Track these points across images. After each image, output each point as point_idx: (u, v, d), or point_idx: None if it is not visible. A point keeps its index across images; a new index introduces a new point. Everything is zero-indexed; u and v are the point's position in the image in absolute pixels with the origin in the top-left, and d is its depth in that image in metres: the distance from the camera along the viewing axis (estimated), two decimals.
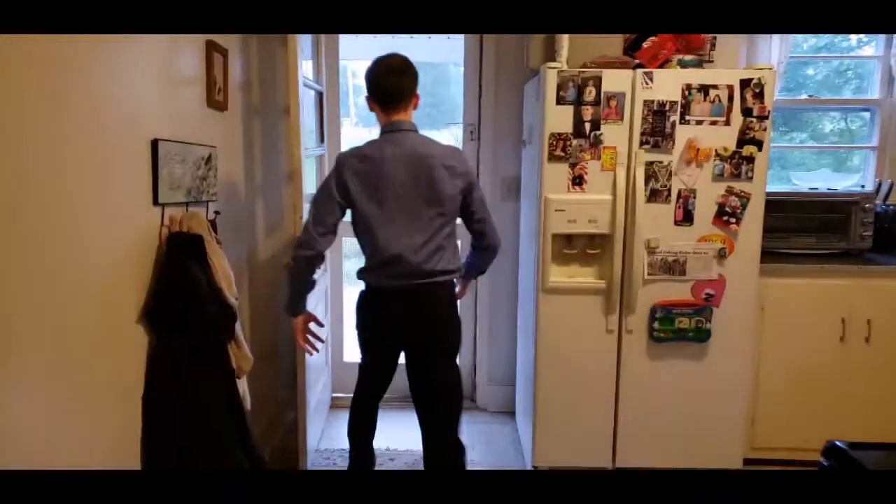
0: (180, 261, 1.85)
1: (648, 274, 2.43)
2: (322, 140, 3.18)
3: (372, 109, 2.09)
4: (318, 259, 2.08)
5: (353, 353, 3.66)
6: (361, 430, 2.31)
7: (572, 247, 2.46)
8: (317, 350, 2.29)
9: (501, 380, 3.37)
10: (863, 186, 3.14)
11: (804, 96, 3.30)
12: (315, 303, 2.90)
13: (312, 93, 3.04)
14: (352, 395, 2.34)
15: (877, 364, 2.65)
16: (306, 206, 2.66)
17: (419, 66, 2.14)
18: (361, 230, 2.07)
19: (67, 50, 1.44)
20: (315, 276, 2.18)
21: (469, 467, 2.82)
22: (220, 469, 1.88)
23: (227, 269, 2.03)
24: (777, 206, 2.70)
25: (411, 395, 2.23)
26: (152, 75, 1.86)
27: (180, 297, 1.80)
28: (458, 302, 2.19)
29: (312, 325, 2.24)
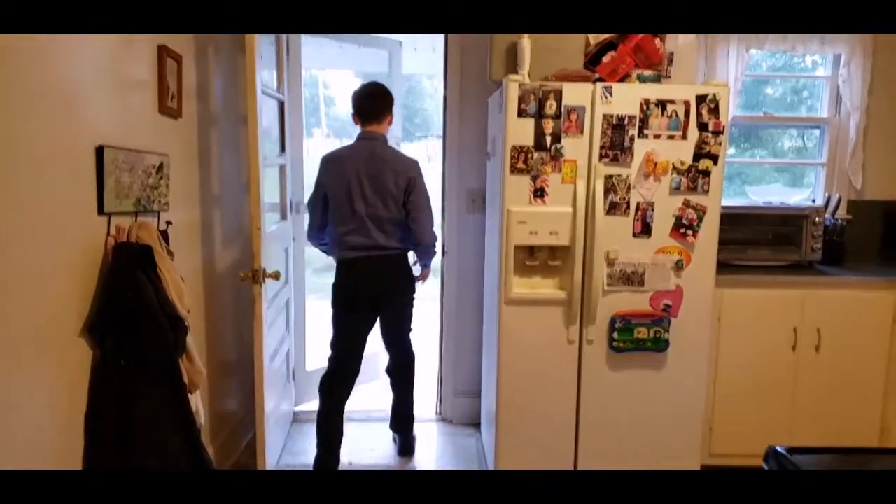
0: (127, 272, 1.79)
1: (608, 285, 2.44)
2: (283, 150, 3.14)
3: (356, 122, 2.71)
4: (320, 245, 2.83)
5: (315, 360, 3.61)
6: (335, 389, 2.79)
7: (534, 258, 2.46)
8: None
9: (467, 392, 3.35)
10: (814, 201, 3.23)
11: (761, 113, 3.39)
12: (276, 314, 2.85)
13: (274, 102, 3.00)
14: (311, 409, 2.84)
15: (825, 371, 2.71)
16: (267, 216, 2.61)
17: (391, 76, 2.23)
18: (331, 211, 2.67)
19: (2, 47, 1.38)
20: (326, 249, 2.83)
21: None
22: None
23: (178, 281, 1.98)
24: (733, 219, 2.75)
25: (381, 334, 2.89)
26: (99, 79, 1.80)
27: (126, 309, 1.74)
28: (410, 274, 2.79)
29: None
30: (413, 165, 2.65)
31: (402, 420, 3.02)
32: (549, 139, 2.39)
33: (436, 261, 2.92)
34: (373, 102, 2.67)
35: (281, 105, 3.09)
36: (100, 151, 1.77)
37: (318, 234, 2.78)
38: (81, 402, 1.70)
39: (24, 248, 1.46)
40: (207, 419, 2.46)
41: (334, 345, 2.75)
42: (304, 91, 3.43)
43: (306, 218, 2.88)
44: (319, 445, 2.75)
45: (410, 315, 2.88)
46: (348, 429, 3.30)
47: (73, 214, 1.67)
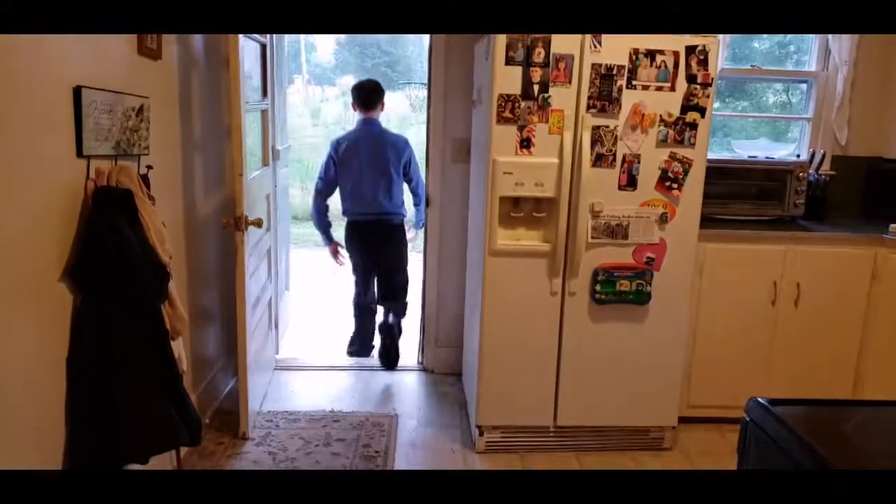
0: (108, 216, 1.76)
1: (592, 238, 2.45)
2: (265, 94, 3.06)
3: (355, 109, 3.36)
4: (326, 206, 3.44)
5: (300, 309, 3.62)
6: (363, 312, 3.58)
7: (519, 210, 2.46)
8: (342, 263, 3.59)
9: (449, 342, 3.39)
10: (798, 156, 3.24)
11: (748, 67, 3.36)
12: (258, 262, 2.83)
13: (256, 45, 2.91)
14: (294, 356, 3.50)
15: (803, 326, 2.78)
16: (250, 160, 2.57)
17: None
18: (342, 184, 3.32)
19: None
20: (329, 218, 3.49)
21: (416, 428, 2.85)
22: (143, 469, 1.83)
23: (159, 227, 1.95)
24: (717, 173, 2.76)
25: (378, 290, 3.52)
26: None
27: (107, 254, 1.72)
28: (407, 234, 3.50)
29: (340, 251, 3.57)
30: (407, 143, 3.39)
31: (389, 328, 3.47)
32: (536, 88, 2.36)
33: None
34: (370, 95, 3.32)
35: (263, 48, 3.00)
36: (77, 92, 1.71)
37: (323, 204, 3.42)
38: (63, 346, 1.70)
39: (3, 190, 1.42)
40: (190, 365, 2.47)
41: (356, 279, 3.52)
42: (283, 39, 3.33)
43: (280, 170, 3.25)
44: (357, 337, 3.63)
45: (406, 264, 3.53)
46: (335, 376, 3.35)
47: (51, 157, 1.63)
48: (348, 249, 3.43)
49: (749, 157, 3.06)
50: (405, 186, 3.40)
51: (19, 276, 1.51)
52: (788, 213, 2.90)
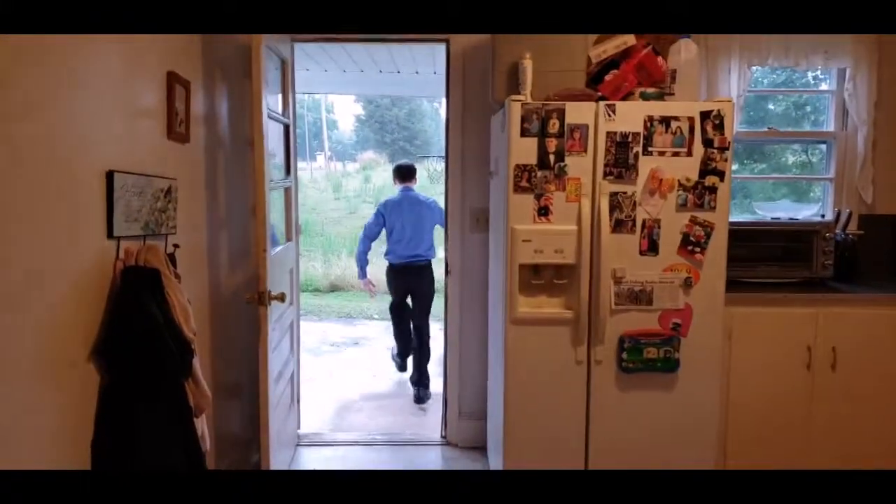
0: (135, 295, 1.79)
1: (616, 304, 2.42)
2: (289, 173, 3.16)
3: (396, 183, 4.33)
4: (369, 248, 4.36)
5: (313, 391, 3.58)
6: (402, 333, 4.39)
7: (540, 277, 2.45)
8: (374, 292, 4.65)
9: (472, 414, 3.31)
10: (823, 216, 3.20)
11: (765, 129, 3.39)
12: (280, 336, 2.83)
13: (279, 126, 3.02)
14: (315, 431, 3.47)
15: (842, 391, 2.67)
16: (275, 238, 2.62)
17: (392, 100, 2.29)
18: (388, 235, 4.22)
19: (15, 74, 1.40)
20: (367, 262, 4.41)
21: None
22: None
23: (185, 304, 1.97)
24: (741, 236, 2.73)
25: (413, 315, 4.34)
26: (109, 105, 1.82)
27: (134, 332, 1.74)
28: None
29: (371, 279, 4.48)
30: (436, 203, 4.22)
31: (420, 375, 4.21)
32: (552, 158, 2.40)
33: (439, 281, 3.93)
34: (409, 170, 4.34)
35: (286, 128, 3.11)
36: (110, 176, 1.78)
37: (367, 249, 4.34)
38: (88, 428, 1.69)
39: (34, 272, 1.46)
40: (213, 442, 2.43)
41: (392, 311, 4.38)
42: (306, 114, 3.47)
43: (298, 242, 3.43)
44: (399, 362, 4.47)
45: (434, 294, 4.37)
46: (356, 452, 3.28)
47: (83, 238, 1.68)
48: (388, 284, 4.31)
49: (772, 218, 3.03)
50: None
51: (48, 355, 1.52)
52: (817, 275, 2.84)
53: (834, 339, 2.65)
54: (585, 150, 2.40)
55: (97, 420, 1.71)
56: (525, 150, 2.39)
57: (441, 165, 3.37)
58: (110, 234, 1.79)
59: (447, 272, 3.29)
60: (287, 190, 3.14)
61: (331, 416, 3.76)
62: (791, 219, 3.01)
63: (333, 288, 8.20)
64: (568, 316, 2.43)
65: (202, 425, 2.05)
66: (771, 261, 2.88)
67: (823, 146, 3.42)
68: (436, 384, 3.74)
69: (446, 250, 3.32)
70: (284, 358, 2.96)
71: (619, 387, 2.45)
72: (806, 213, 3.16)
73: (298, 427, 3.40)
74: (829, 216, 3.18)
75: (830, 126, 3.32)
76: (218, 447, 2.64)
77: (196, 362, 2.00)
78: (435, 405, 3.60)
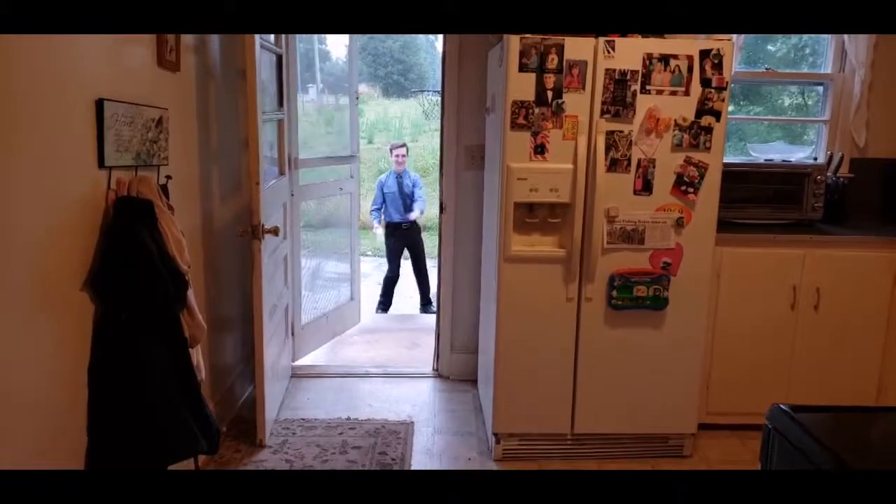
0: (128, 226, 1.79)
1: (608, 243, 2.45)
2: (281, 104, 3.10)
3: (393, 156, 5.45)
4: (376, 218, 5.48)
5: (309, 314, 3.65)
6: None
7: (534, 216, 2.46)
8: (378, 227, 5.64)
9: (464, 348, 3.39)
10: (815, 159, 3.21)
11: (763, 69, 3.34)
12: (274, 270, 2.85)
13: (272, 56, 2.94)
14: (309, 363, 3.63)
15: (824, 330, 2.75)
16: (270, 170, 2.60)
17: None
18: (385, 202, 5.34)
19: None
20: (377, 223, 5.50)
21: (432, 435, 2.85)
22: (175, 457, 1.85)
23: (178, 236, 1.98)
24: (734, 177, 2.74)
25: (412, 264, 5.45)
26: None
27: (128, 263, 1.75)
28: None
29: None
30: (418, 179, 5.54)
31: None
32: (550, 94, 2.36)
33: (433, 218, 4.55)
34: (403, 150, 5.43)
35: (279, 59, 3.03)
36: (100, 104, 1.75)
37: (378, 211, 5.42)
38: (84, 356, 1.72)
39: (24, 202, 1.45)
40: (208, 373, 2.49)
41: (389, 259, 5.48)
42: (298, 45, 3.38)
43: (301, 174, 3.54)
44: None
45: (424, 254, 5.53)
46: (350, 383, 3.37)
47: (73, 168, 1.66)
48: (386, 240, 5.50)
49: (766, 160, 3.03)
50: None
51: (42, 284, 1.53)
52: (807, 217, 2.87)
53: (819, 280, 2.71)
54: (583, 87, 2.36)
55: (93, 347, 1.73)
56: (523, 87, 2.35)
57: (435, 100, 3.31)
58: (101, 164, 1.77)
59: (441, 209, 3.30)
60: (280, 122, 3.09)
61: (324, 350, 3.84)
62: (784, 161, 3.01)
63: (325, 224, 8.18)
64: (560, 254, 2.46)
65: (197, 356, 2.09)
66: (762, 202, 2.90)
67: (820, 88, 3.38)
68: (428, 320, 3.80)
69: (441, 187, 3.31)
70: (279, 291, 2.99)
71: (609, 323, 2.51)
72: (799, 155, 3.16)
73: (293, 359, 3.47)
74: (822, 159, 3.18)
75: (828, 68, 3.28)
76: (212, 378, 2.70)
77: (190, 293, 2.02)
78: (427, 340, 3.67)
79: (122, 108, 1.85)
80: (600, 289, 2.48)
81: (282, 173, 3.10)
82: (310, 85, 4.44)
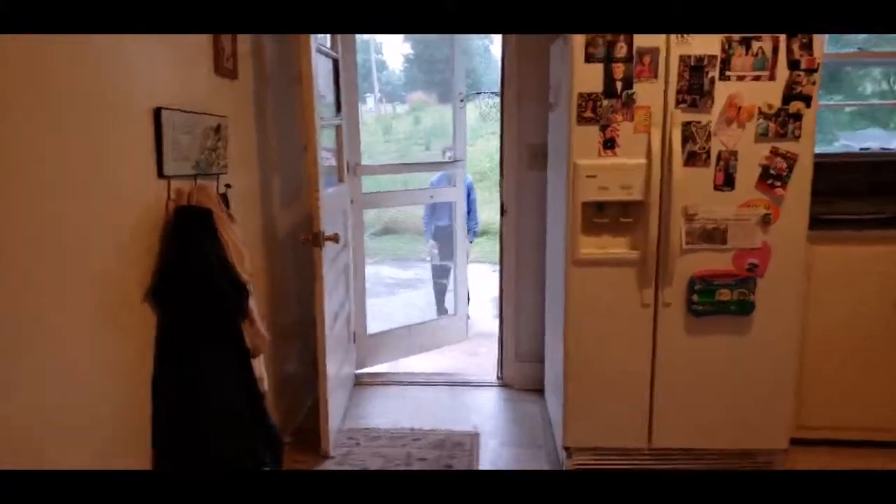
0: (188, 235, 1.76)
1: (686, 243, 2.27)
2: (339, 110, 3.06)
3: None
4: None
5: (376, 324, 3.59)
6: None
7: (604, 216, 2.31)
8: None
9: (529, 356, 3.25)
10: None
11: (855, 50, 3.06)
12: (336, 278, 2.81)
13: (328, 61, 2.91)
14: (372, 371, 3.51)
15: None
16: (325, 179, 2.56)
17: (440, 38, 2.21)
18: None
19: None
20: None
21: (499, 448, 2.73)
22: (231, 460, 1.81)
23: (239, 245, 1.94)
24: (826, 168, 2.49)
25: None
26: (155, 42, 1.75)
27: (188, 273, 1.72)
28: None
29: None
30: (471, 182, 4.69)
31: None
32: (619, 85, 2.21)
33: (492, 224, 4.27)
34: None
35: (335, 64, 3.00)
36: (157, 113, 1.73)
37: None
38: (146, 367, 1.70)
39: (85, 213, 1.44)
40: (271, 383, 2.46)
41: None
42: (355, 52, 3.34)
43: (363, 180, 3.37)
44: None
45: None
46: (414, 391, 3.29)
47: (133, 178, 1.64)
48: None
49: (861, 149, 2.76)
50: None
51: (104, 295, 1.51)
52: None
53: None
54: (656, 76, 2.20)
55: (156, 359, 1.71)
56: (589, 78, 2.21)
57: (492, 101, 3.20)
58: (160, 174, 1.75)
59: (503, 212, 3.18)
60: (338, 129, 3.05)
61: (381, 346, 3.77)
62: (883, 149, 2.74)
63: (386, 231, 8.23)
64: (634, 256, 2.29)
65: (260, 366, 2.05)
66: (855, 196, 2.63)
67: None
68: (491, 326, 3.68)
69: (501, 189, 3.19)
70: (340, 299, 2.95)
71: (689, 331, 2.32)
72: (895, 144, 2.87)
73: (356, 367, 3.42)
74: None
75: None
76: (276, 388, 2.67)
77: (252, 303, 1.98)
78: (488, 346, 3.56)
79: (180, 117, 1.83)
80: (679, 293, 2.30)
81: (341, 180, 3.06)
82: (367, 94, 4.44)
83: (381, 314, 4.49)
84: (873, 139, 2.88)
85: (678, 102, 2.21)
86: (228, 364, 1.82)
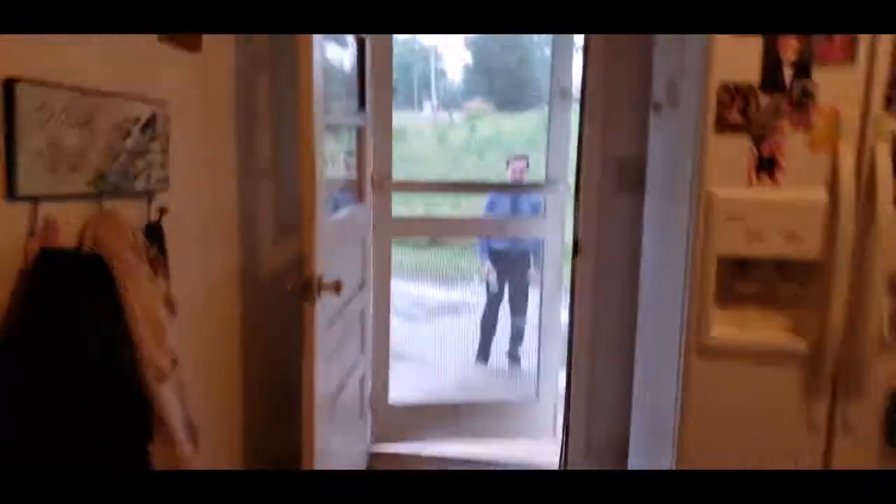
0: (56, 298, 1.03)
1: (892, 332, 1.40)
2: (363, 105, 2.30)
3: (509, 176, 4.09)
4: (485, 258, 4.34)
5: (400, 392, 2.80)
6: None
7: (751, 279, 1.47)
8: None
9: (604, 452, 2.40)
10: None
11: None
12: (343, 331, 2.06)
13: (348, 37, 2.16)
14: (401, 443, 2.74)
15: None
16: (335, 199, 1.82)
17: (502, 46, 1.64)
18: None
19: None
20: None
21: None
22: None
23: (156, 312, 1.20)
24: None
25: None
26: None
27: (46, 364, 0.98)
28: None
29: None
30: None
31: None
32: (788, 73, 1.38)
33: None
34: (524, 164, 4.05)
35: (360, 44, 2.25)
36: (9, 89, 1.01)
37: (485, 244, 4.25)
38: None
39: None
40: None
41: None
42: (414, 66, 2.58)
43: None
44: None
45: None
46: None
47: None
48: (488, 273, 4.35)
49: None
50: None
51: None
52: None
53: None
54: (852, 59, 1.36)
55: None
56: (738, 59, 1.40)
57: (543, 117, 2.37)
58: (11, 194, 1.03)
59: (576, 252, 2.34)
60: (360, 130, 2.30)
61: (412, 423, 2.95)
62: None
63: (433, 242, 7.49)
64: (800, 348, 1.44)
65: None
66: None
67: None
68: (550, 405, 2.76)
69: (576, 220, 2.35)
70: (348, 364, 2.18)
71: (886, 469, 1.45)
72: None
73: (369, 443, 2.63)
74: None
75: None
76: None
77: (170, 398, 1.23)
78: (538, 424, 2.68)
79: (61, 98, 1.11)
80: (872, 413, 1.43)
81: (361, 200, 2.30)
82: (427, 101, 3.81)
83: (412, 350, 3.73)
84: None
85: (889, 102, 1.35)
86: None
